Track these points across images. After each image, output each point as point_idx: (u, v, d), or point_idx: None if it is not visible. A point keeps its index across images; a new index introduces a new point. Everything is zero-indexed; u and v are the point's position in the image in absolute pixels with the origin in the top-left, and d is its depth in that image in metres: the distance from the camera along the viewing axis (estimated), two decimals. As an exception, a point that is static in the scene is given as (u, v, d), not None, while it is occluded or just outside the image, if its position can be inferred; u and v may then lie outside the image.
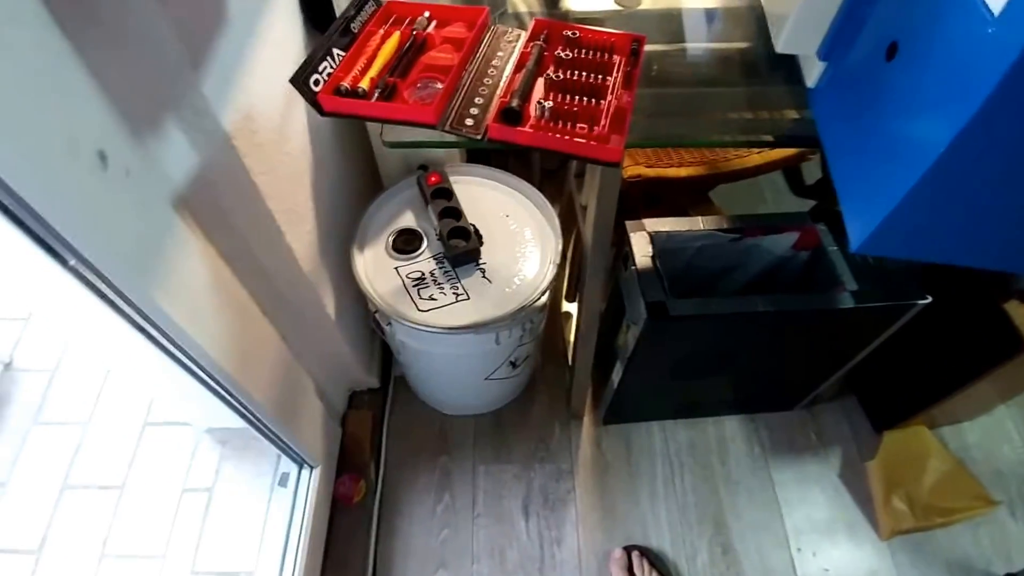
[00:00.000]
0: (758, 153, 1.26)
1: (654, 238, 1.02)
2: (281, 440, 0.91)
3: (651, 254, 0.99)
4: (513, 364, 1.14)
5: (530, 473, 1.27)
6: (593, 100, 0.59)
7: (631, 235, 1.01)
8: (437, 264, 1.00)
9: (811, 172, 1.33)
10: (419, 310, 0.94)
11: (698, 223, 1.05)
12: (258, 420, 0.83)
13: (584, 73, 0.61)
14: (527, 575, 1.16)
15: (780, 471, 1.30)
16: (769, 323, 1.01)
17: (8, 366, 1.35)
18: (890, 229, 0.49)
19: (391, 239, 1.02)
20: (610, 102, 0.58)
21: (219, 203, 0.70)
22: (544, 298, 0.98)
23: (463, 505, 1.23)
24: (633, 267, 0.98)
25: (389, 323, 0.97)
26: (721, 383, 1.23)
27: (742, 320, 0.98)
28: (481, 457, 1.29)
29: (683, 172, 1.28)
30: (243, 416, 0.81)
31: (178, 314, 0.61)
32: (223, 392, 0.74)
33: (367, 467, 1.25)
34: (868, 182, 0.52)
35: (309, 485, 1.04)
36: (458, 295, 0.96)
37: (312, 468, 1.06)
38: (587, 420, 1.35)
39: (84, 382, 1.32)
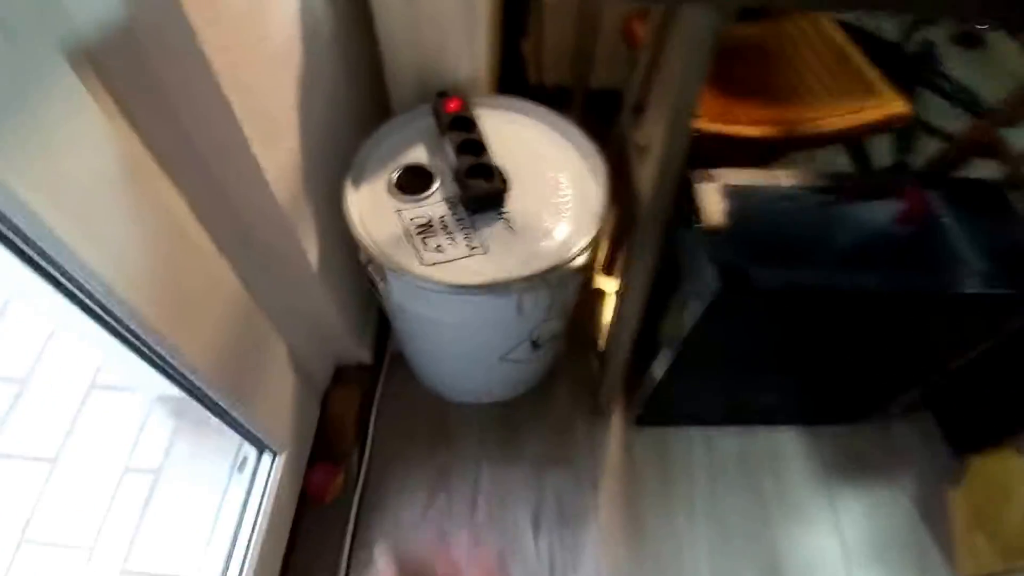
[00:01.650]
0: (843, 116, 1.05)
1: (728, 192, 0.80)
2: (229, 416, 0.71)
3: (725, 210, 0.77)
4: (535, 344, 0.92)
5: (544, 478, 1.06)
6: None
7: (698, 187, 0.79)
8: (450, 209, 0.79)
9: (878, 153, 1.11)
10: (422, 263, 0.73)
11: (781, 178, 0.83)
12: (196, 388, 0.62)
13: None
14: (534, 602, 0.96)
15: (843, 493, 1.08)
16: (870, 308, 0.79)
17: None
18: None
19: (395, 176, 0.81)
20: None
21: (146, 65, 0.49)
22: (581, 259, 0.76)
23: (460, 510, 1.02)
24: (700, 226, 0.76)
25: (384, 278, 0.76)
26: (785, 383, 1.01)
27: (841, 301, 0.76)
28: (487, 454, 1.08)
29: (752, 131, 1.07)
30: (176, 382, 0.60)
31: (55, 217, 0.40)
32: (144, 348, 0.54)
33: (348, 457, 1.04)
34: None
35: (270, 475, 0.83)
36: (473, 248, 0.75)
37: (275, 454, 0.85)
38: (616, 419, 1.14)
39: (28, 331, 1.12)
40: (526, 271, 0.73)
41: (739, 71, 1.18)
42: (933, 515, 1.07)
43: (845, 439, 1.15)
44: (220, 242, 0.66)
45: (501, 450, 1.09)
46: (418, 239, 0.76)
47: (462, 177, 0.76)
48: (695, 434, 1.13)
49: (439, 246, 0.75)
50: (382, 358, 1.17)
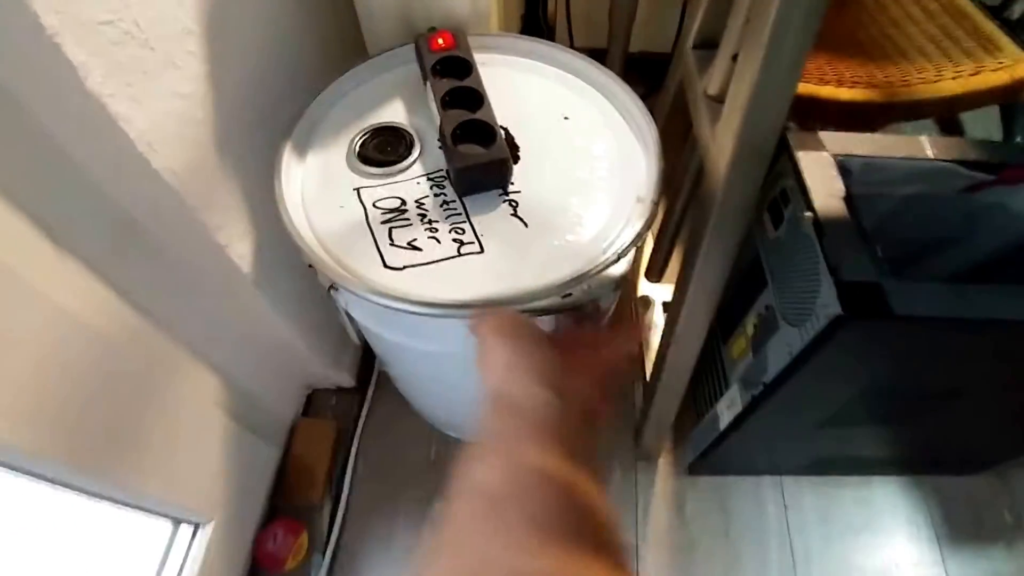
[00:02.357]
0: (953, 79, 0.77)
1: (847, 167, 0.54)
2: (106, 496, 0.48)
3: (842, 193, 0.51)
4: (555, 375, 0.68)
5: (568, 542, 0.82)
6: None
7: (800, 156, 0.54)
8: (432, 188, 0.55)
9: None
10: (386, 265, 0.50)
11: (919, 147, 0.56)
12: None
13: None
14: None
15: (957, 564, 0.82)
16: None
17: None
18: None
19: (359, 141, 0.58)
20: None
21: None
22: (623, 263, 0.52)
23: (460, 586, 0.78)
24: (806, 216, 0.51)
25: (334, 287, 0.52)
26: (901, 432, 0.75)
27: (1011, 332, 0.49)
28: (494, 508, 0.84)
29: (844, 94, 0.80)
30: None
31: None
32: None
33: (316, 511, 0.82)
34: None
35: (188, 553, 0.61)
36: (463, 243, 0.51)
37: (197, 526, 0.63)
38: (663, 464, 0.88)
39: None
40: (541, 281, 0.48)
41: (829, 21, 0.92)
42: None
43: (959, 493, 0.88)
44: (72, 241, 0.44)
45: (513, 503, 0.85)
46: (384, 231, 0.52)
47: (448, 140, 0.52)
48: (765, 484, 0.87)
49: (413, 241, 0.51)
50: (368, 380, 0.94)
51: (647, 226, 0.52)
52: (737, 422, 0.68)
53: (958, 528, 0.85)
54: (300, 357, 0.79)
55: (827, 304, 0.47)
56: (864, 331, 0.47)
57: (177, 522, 0.61)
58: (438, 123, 0.55)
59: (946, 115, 0.90)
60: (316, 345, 0.80)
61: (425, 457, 0.88)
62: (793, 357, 0.53)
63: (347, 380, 0.90)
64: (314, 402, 0.91)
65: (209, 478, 0.65)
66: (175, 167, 0.48)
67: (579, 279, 0.48)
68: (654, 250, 0.94)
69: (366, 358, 0.95)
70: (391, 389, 0.92)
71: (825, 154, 0.54)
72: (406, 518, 0.83)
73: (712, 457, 0.80)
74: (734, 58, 0.49)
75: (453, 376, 0.68)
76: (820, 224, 0.49)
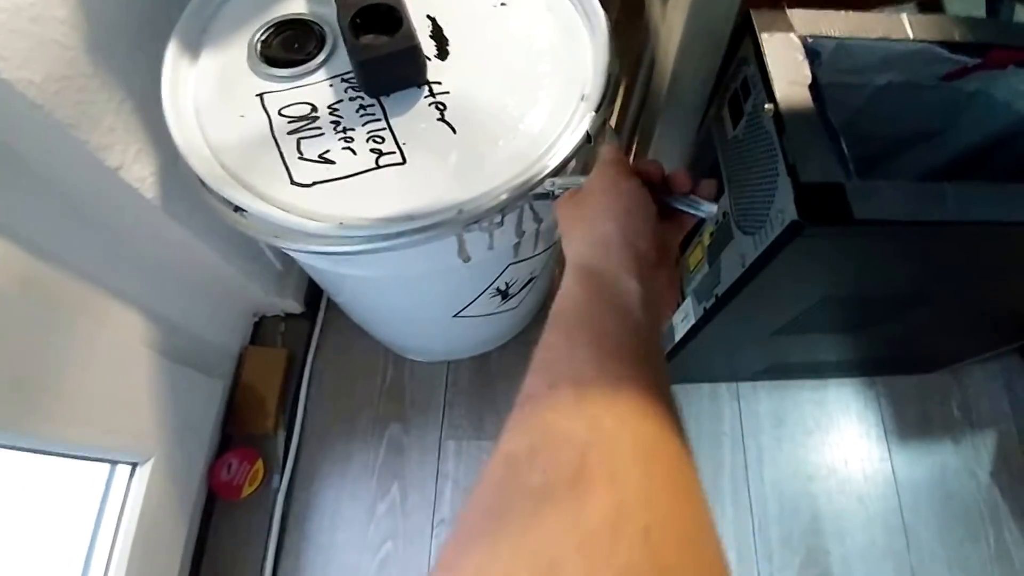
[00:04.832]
0: None
1: (813, 50, 0.47)
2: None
3: (807, 81, 0.45)
4: (503, 293, 0.64)
5: (527, 456, 0.82)
6: None
7: (764, 39, 0.47)
8: (348, 91, 0.48)
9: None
10: (294, 182, 0.44)
11: (898, 25, 0.50)
12: None
13: None
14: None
15: (905, 460, 0.85)
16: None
17: None
18: None
19: (261, 37, 0.50)
20: None
21: None
22: (567, 170, 0.46)
23: (419, 504, 0.79)
24: (766, 108, 0.45)
25: (237, 209, 0.46)
26: (854, 337, 0.74)
27: (986, 236, 0.46)
28: (453, 428, 0.84)
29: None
30: None
31: None
32: None
33: (271, 438, 0.80)
34: None
35: (128, 492, 0.59)
36: (382, 154, 0.45)
37: (134, 465, 0.60)
38: (620, 378, 0.88)
39: None
40: (470, 192, 0.43)
41: None
42: (1015, 488, 0.83)
43: (910, 391, 0.90)
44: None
45: (472, 421, 0.84)
46: (291, 143, 0.46)
47: (346, 31, 0.44)
48: (722, 391, 0.87)
49: (325, 154, 0.45)
50: (317, 304, 0.90)
51: (597, 123, 0.46)
52: (691, 333, 0.66)
53: (907, 425, 0.88)
54: (236, 285, 0.74)
55: (782, 209, 0.43)
56: (823, 238, 0.44)
57: (114, 463, 0.58)
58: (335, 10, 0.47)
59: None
60: (253, 272, 0.74)
61: (380, 379, 0.86)
62: (745, 268, 0.50)
63: (294, 306, 0.86)
64: (263, 330, 0.87)
65: (142, 417, 0.61)
66: (33, 77, 0.41)
67: (519, 192, 0.43)
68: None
69: (313, 282, 0.90)
70: (342, 313, 0.87)
71: (793, 36, 0.47)
72: (363, 438, 0.82)
73: (669, 367, 0.79)
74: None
75: (386, 301, 0.64)
76: (781, 117, 0.44)
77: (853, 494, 0.82)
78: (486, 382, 0.86)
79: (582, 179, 0.34)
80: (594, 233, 0.29)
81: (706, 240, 0.61)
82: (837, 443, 0.85)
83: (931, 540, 0.80)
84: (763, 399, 0.87)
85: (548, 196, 0.34)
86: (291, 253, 0.51)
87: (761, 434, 0.85)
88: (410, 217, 0.42)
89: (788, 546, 0.79)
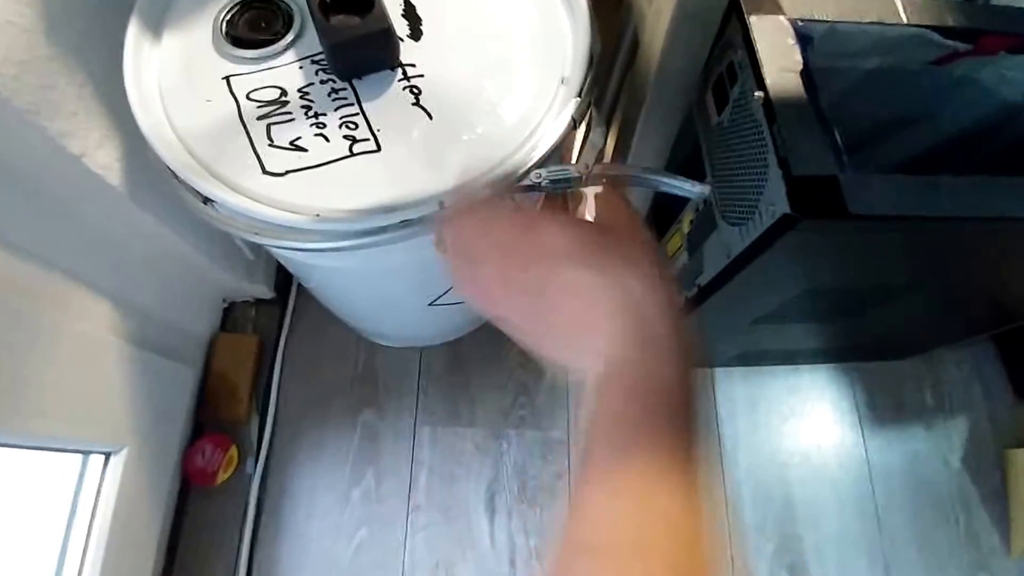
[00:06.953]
0: None
1: (804, 34, 0.45)
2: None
3: (798, 67, 0.44)
4: (481, 281, 0.62)
5: (502, 443, 0.81)
6: None
7: (753, 22, 0.45)
8: (318, 74, 0.45)
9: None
10: (265, 171, 0.41)
11: (892, 8, 0.48)
12: None
13: None
14: (489, 602, 0.75)
15: (878, 445, 0.86)
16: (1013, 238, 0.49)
17: None
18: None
19: (226, 16, 0.46)
20: None
21: None
22: (541, 157, 0.44)
23: (394, 490, 0.78)
24: (755, 96, 0.43)
25: (207, 201, 0.43)
26: (834, 326, 0.74)
27: (979, 232, 0.46)
28: (427, 413, 0.82)
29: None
30: None
31: None
32: None
33: (244, 424, 0.78)
34: None
35: (102, 483, 0.57)
36: (356, 140, 0.43)
37: (108, 455, 0.58)
38: (599, 364, 0.87)
39: None
40: (448, 184, 0.41)
41: None
42: (982, 473, 0.85)
43: (885, 377, 0.91)
44: None
45: (447, 407, 0.83)
46: (260, 129, 0.43)
47: (315, 10, 0.41)
48: (698, 377, 0.87)
49: (297, 140, 0.42)
50: (288, 290, 0.87)
51: (579, 108, 0.44)
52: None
53: (881, 410, 0.89)
54: (204, 272, 0.71)
55: (773, 201, 0.41)
56: (815, 232, 0.42)
57: (86, 454, 0.56)
58: (307, -18, 0.43)
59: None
60: (221, 258, 0.71)
61: (352, 365, 0.84)
62: (731, 259, 0.48)
63: (264, 292, 0.83)
64: (233, 316, 0.84)
65: (114, 406, 0.59)
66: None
67: (499, 185, 0.41)
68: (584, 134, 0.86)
69: (284, 267, 0.87)
70: (313, 298, 0.85)
71: (783, 19, 0.45)
72: (337, 424, 0.81)
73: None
74: None
75: (358, 290, 0.62)
76: (772, 106, 0.42)
77: (827, 480, 0.83)
78: (459, 367, 0.85)
79: (571, 167, 0.32)
80: (640, 320, 0.23)
81: (685, 227, 0.60)
82: (811, 429, 0.86)
83: (903, 525, 0.81)
84: (738, 384, 0.87)
85: (535, 188, 0.32)
86: (267, 247, 0.48)
87: (737, 420, 0.85)
88: (389, 208, 0.40)
89: (762, 533, 0.80)
